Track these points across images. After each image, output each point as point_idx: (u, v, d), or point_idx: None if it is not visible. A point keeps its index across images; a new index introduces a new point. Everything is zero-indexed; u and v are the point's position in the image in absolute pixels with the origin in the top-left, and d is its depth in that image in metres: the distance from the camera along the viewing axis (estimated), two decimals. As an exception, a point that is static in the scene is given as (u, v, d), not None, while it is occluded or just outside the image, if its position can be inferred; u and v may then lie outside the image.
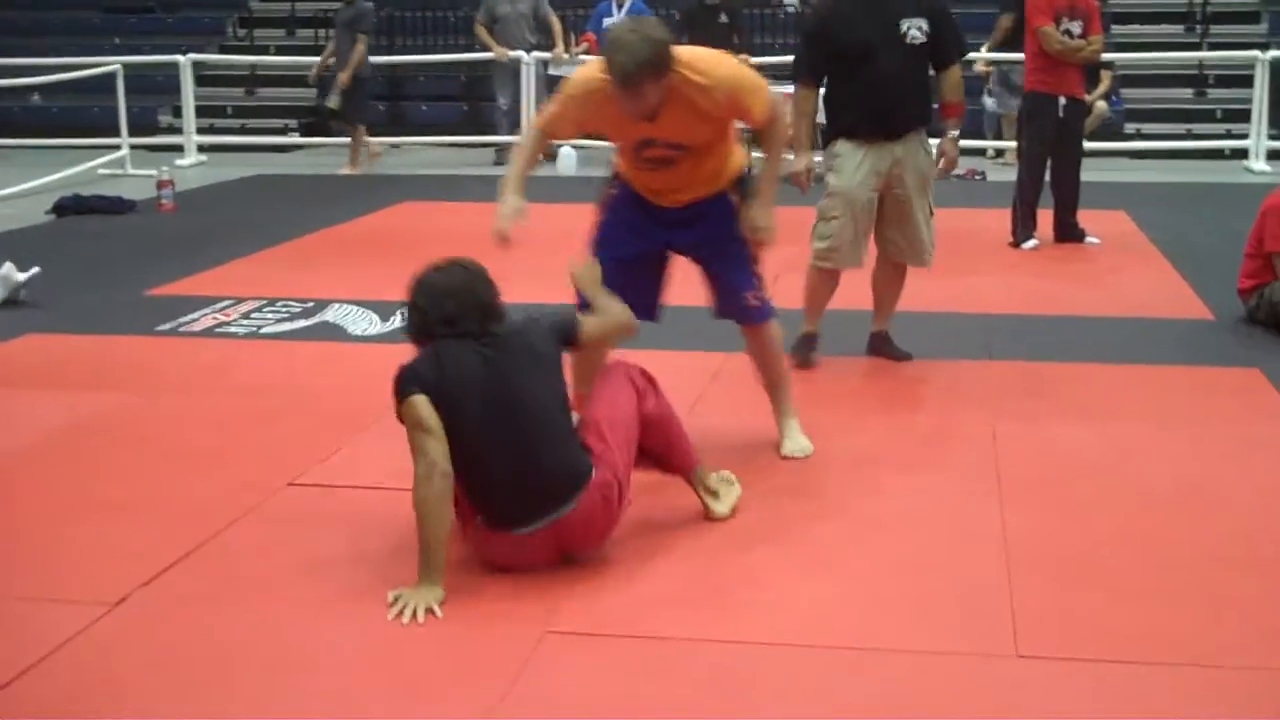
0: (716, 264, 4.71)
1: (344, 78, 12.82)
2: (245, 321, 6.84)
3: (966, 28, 6.28)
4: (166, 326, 6.74)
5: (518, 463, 3.75)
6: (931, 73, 5.84)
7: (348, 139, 13.19)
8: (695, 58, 4.32)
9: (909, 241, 5.86)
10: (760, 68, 13.01)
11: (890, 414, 5.37)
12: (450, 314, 3.83)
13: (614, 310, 4.26)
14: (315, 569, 3.89)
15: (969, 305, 7.05)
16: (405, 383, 3.75)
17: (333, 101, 12.99)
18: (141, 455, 4.88)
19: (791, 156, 5.38)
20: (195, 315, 6.94)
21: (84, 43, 15.78)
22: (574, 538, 3.84)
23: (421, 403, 3.69)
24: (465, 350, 3.80)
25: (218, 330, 6.69)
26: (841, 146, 5.77)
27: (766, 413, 4.97)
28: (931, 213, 5.86)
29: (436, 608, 3.60)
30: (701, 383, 5.67)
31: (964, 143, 5.93)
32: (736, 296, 4.73)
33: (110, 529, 4.19)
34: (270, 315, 6.96)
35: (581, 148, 13.36)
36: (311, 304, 7.12)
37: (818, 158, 5.87)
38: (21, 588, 3.77)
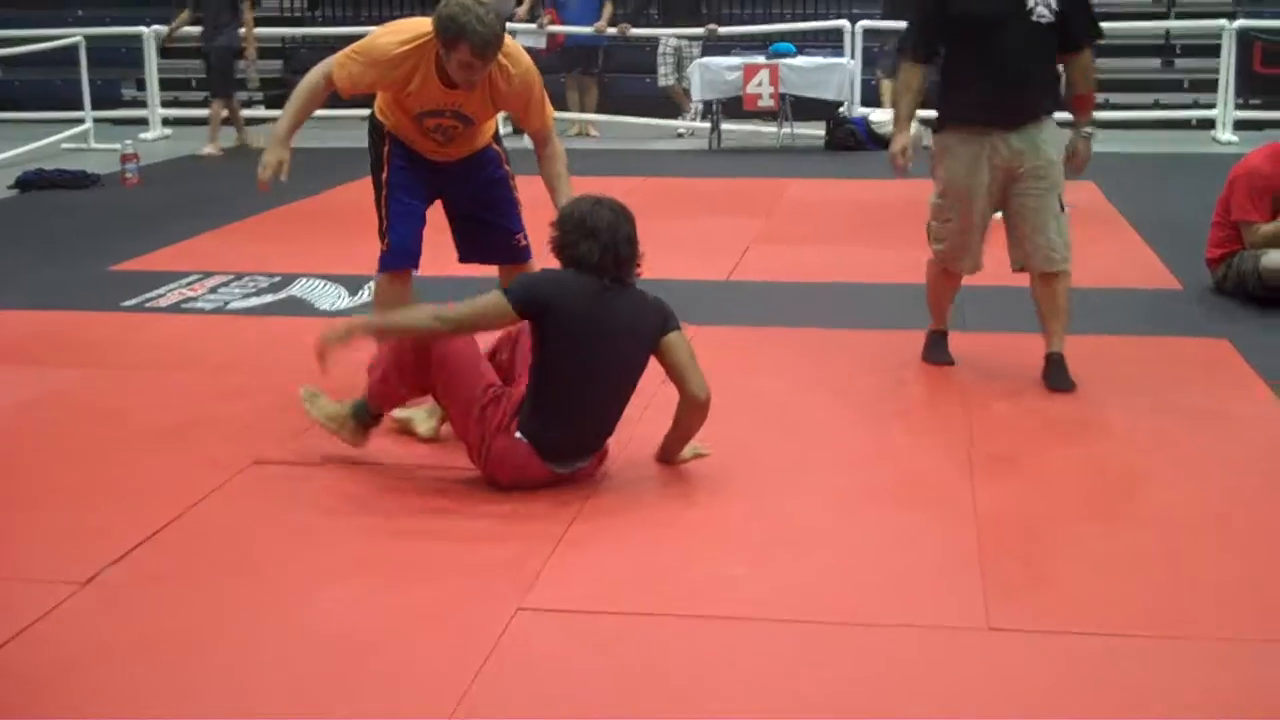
0: (491, 211, 5.00)
1: (251, 51, 12.62)
2: (212, 296, 6.80)
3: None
4: (132, 302, 6.69)
5: (583, 407, 4.19)
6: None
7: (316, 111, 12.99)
8: (510, 45, 4.61)
9: (1033, 245, 5.23)
10: (729, 37, 13.20)
11: (862, 386, 5.35)
12: (584, 253, 4.16)
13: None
14: (283, 547, 3.88)
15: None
16: (523, 298, 4.13)
17: (254, 78, 12.93)
18: (107, 433, 4.84)
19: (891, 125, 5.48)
20: (162, 290, 6.89)
21: (45, 15, 15.59)
22: (568, 482, 4.24)
23: (507, 313, 4.13)
24: (588, 287, 4.15)
25: (184, 305, 6.64)
26: (951, 136, 5.27)
27: (735, 385, 4.97)
28: (1062, 209, 5.23)
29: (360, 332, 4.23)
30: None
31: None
32: (510, 238, 5.02)
33: (77, 507, 4.15)
34: (238, 290, 6.91)
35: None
36: (279, 278, 7.08)
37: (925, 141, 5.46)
38: (-12, 567, 3.74)
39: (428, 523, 4.06)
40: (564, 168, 4.84)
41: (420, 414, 4.72)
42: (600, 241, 4.17)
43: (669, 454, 4.48)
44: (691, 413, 4.34)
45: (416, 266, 4.96)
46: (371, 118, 4.99)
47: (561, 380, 4.15)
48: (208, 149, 12.32)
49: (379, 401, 4.47)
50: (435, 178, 4.94)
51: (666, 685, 3.12)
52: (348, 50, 4.74)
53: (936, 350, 5.61)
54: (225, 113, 12.61)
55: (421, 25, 4.63)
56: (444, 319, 4.18)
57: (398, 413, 4.67)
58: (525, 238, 5.04)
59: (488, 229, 5.03)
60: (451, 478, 4.38)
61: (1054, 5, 5.07)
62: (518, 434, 4.16)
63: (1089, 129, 5.30)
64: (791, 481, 4.37)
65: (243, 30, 12.75)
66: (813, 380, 5.40)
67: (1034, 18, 5.07)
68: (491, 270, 5.10)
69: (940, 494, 4.25)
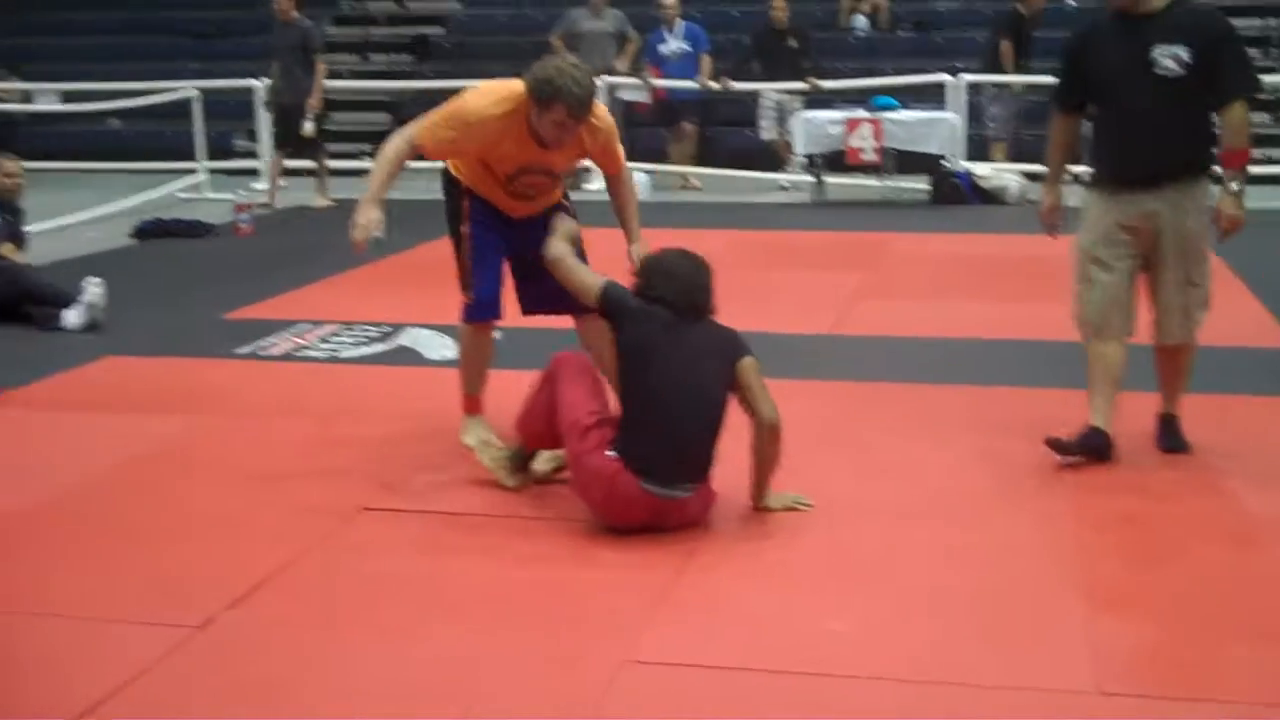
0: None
1: (315, 102, 12.23)
2: (323, 345, 6.91)
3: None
4: (245, 350, 6.82)
5: (665, 422, 4.31)
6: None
7: (418, 163, 13.10)
8: (595, 103, 4.75)
9: (1158, 313, 5.03)
10: (830, 92, 13.23)
11: (967, 441, 5.31)
12: (663, 295, 4.42)
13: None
14: (392, 594, 3.92)
15: (1044, 332, 6.98)
16: (615, 294, 4.47)
17: (308, 129, 12.29)
18: (221, 479, 4.93)
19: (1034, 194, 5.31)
20: (273, 339, 7.02)
21: (160, 68, 15.98)
22: (670, 519, 4.33)
23: (595, 295, 4.50)
24: (665, 315, 4.40)
25: (296, 354, 6.76)
26: (1094, 194, 5.07)
27: (839, 440, 4.96)
28: (1196, 283, 4.98)
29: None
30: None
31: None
32: None
33: (192, 552, 4.24)
34: (348, 339, 7.02)
35: (652, 173, 13.42)
36: (388, 328, 7.18)
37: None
38: (108, 610, 3.82)
39: (534, 572, 4.09)
40: (635, 196, 5.13)
41: (503, 467, 4.79)
42: (678, 288, 4.43)
43: (758, 489, 4.52)
44: (765, 438, 4.43)
45: (500, 317, 5.07)
46: (445, 173, 5.07)
47: (641, 396, 4.36)
48: (319, 201, 12.35)
49: (527, 441, 4.71)
50: (511, 232, 5.03)
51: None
52: (437, 117, 4.81)
53: (1093, 445, 4.98)
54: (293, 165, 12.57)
55: (510, 87, 4.72)
56: (562, 255, 4.63)
57: (488, 461, 4.81)
58: None
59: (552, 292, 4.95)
60: (557, 528, 4.42)
61: (1185, 58, 4.77)
62: (609, 451, 4.31)
63: (1235, 184, 4.92)
64: (894, 536, 4.34)
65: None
66: (917, 435, 5.37)
67: (1158, 70, 4.80)
68: (555, 321, 5.16)
69: (1046, 553, 4.21)
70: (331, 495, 4.69)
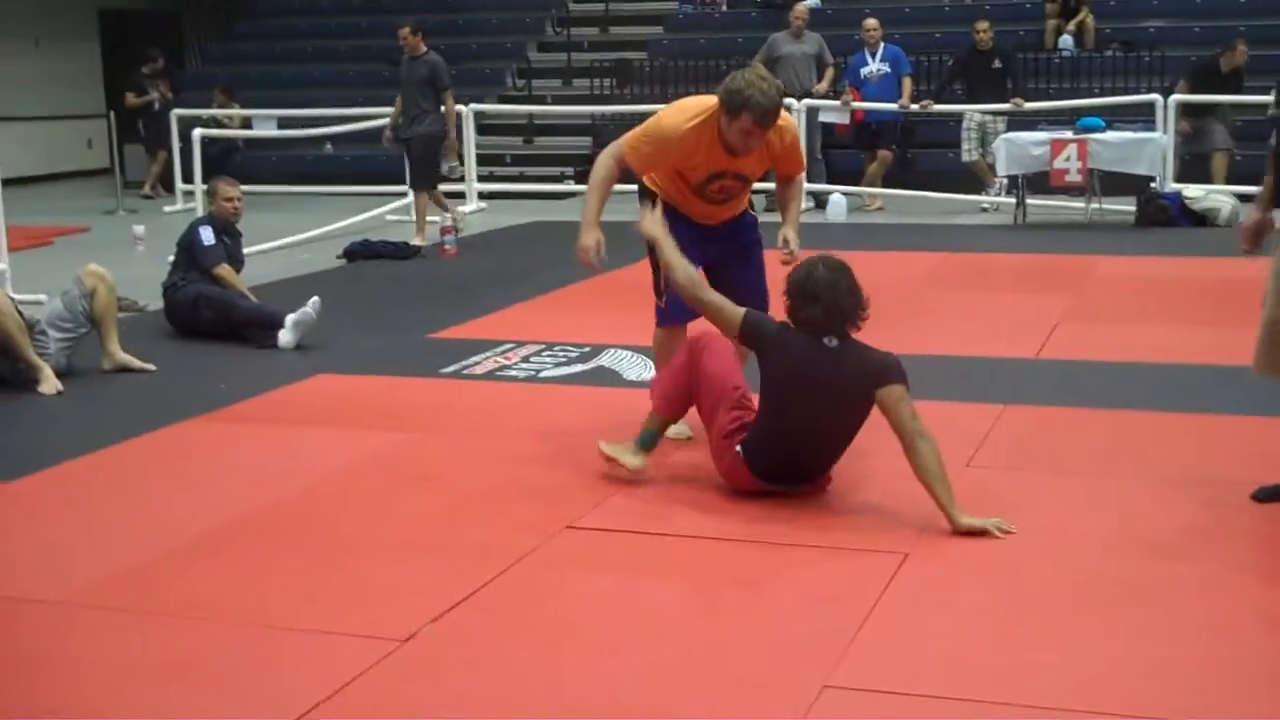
0: (752, 268, 5.42)
1: (453, 140, 12.17)
2: (525, 365, 7.03)
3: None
4: (450, 369, 6.97)
5: (809, 449, 4.71)
6: None
7: (619, 185, 13.15)
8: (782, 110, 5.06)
9: None
10: (1035, 112, 13.01)
11: (1180, 468, 5.15)
12: (810, 316, 4.64)
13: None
14: (594, 613, 3.97)
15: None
16: (755, 323, 4.76)
17: (455, 169, 12.25)
18: (427, 494, 5.05)
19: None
20: (477, 358, 7.16)
21: (370, 94, 16.46)
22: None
23: (735, 326, 4.76)
24: (807, 342, 4.64)
25: (498, 374, 6.88)
26: None
27: (1044, 465, 4.87)
28: None
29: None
30: (978, 435, 5.58)
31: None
32: (760, 293, 5.40)
33: (398, 565, 4.34)
34: (549, 359, 7.13)
35: (849, 194, 13.35)
36: (588, 349, 7.27)
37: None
38: (316, 620, 3.93)
39: (733, 594, 4.11)
40: (801, 196, 5.52)
41: (627, 450, 5.01)
42: (823, 303, 4.61)
43: (945, 509, 4.50)
44: (916, 457, 4.52)
45: (693, 318, 5.24)
46: (641, 185, 5.39)
47: (774, 417, 4.67)
48: (416, 240, 11.58)
49: (659, 409, 5.03)
50: (701, 239, 5.28)
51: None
52: (637, 134, 5.19)
53: None
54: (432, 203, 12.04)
55: (702, 102, 5.11)
56: (701, 290, 4.84)
57: (605, 447, 5.04)
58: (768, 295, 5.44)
59: (744, 286, 5.31)
60: (762, 550, 4.42)
61: None
62: (739, 448, 4.72)
63: None
64: (1102, 565, 4.24)
65: (444, 119, 11.95)
66: (1124, 462, 5.24)
67: None
68: None
69: (1258, 586, 4.06)
70: (537, 512, 4.76)
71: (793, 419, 4.65)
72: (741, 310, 4.81)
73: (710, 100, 5.04)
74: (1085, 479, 5.08)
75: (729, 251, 5.43)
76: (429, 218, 11.79)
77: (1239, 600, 3.98)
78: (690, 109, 5.12)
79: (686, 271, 4.90)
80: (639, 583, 4.19)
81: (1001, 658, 3.63)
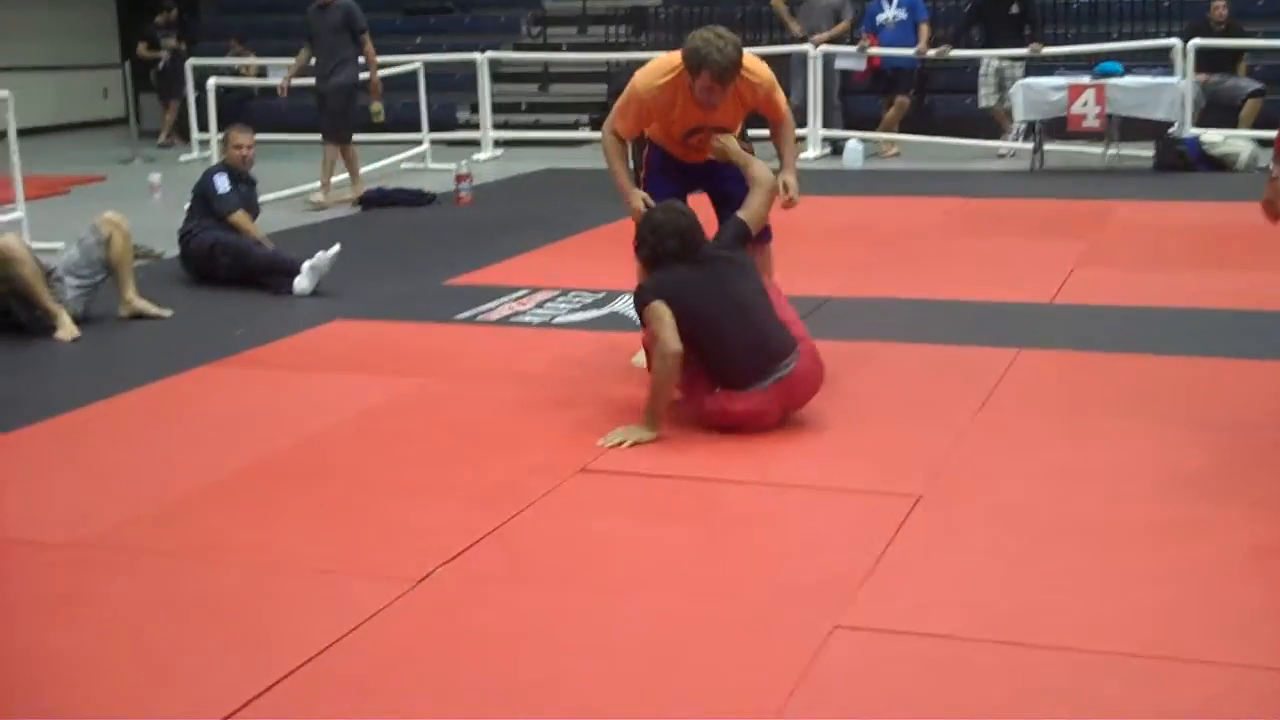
0: (743, 190, 5.41)
1: (377, 84, 11.48)
2: (539, 311, 7.04)
3: None
4: (465, 315, 6.98)
5: (744, 337, 4.93)
6: None
7: None
8: (749, 59, 5.26)
9: None
10: (1053, 57, 12.92)
11: (1198, 412, 5.15)
12: (672, 247, 5.02)
13: (756, 169, 5.35)
14: (605, 555, 3.99)
15: (1274, 302, 6.72)
16: (645, 294, 4.97)
17: (377, 109, 11.63)
18: (442, 438, 5.07)
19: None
20: (492, 304, 7.17)
21: (386, 43, 16.39)
22: (795, 392, 5.01)
23: (658, 305, 4.89)
24: (686, 267, 5.00)
25: (513, 319, 6.89)
26: None
27: (1058, 409, 4.87)
28: None
29: (646, 439, 4.85)
30: (993, 378, 5.58)
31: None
32: (742, 187, 5.44)
33: (412, 507, 4.37)
34: (563, 305, 7.13)
35: (866, 141, 13.29)
36: (602, 294, 7.27)
37: None
38: (329, 561, 3.96)
39: (745, 534, 4.12)
40: (793, 140, 5.68)
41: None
42: (669, 233, 5.02)
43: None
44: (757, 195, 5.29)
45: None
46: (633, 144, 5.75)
47: (715, 338, 4.92)
48: (317, 196, 11.14)
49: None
50: (687, 175, 5.67)
51: (980, 712, 3.08)
52: (619, 103, 5.52)
53: None
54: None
55: (671, 60, 5.35)
56: (663, 356, 4.87)
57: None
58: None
59: (726, 182, 5.60)
60: (775, 492, 4.45)
61: None
62: (717, 390, 4.97)
63: None
64: (1116, 507, 4.25)
65: (365, 68, 11.45)
66: (1142, 407, 5.23)
67: None
68: None
69: (1268, 529, 4.06)
70: (551, 456, 4.78)
71: (726, 322, 4.93)
72: (650, 315, 4.93)
73: (678, 57, 5.28)
74: (1099, 422, 5.07)
75: (719, 181, 5.69)
76: (340, 173, 11.26)
77: (1251, 541, 3.98)
78: (660, 68, 5.38)
79: (664, 377, 4.93)
80: (651, 525, 4.21)
81: (1013, 599, 3.64)
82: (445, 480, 4.63)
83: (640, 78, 5.44)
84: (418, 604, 3.67)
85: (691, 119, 5.41)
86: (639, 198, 5.41)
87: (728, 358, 4.98)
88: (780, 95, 5.57)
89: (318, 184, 11.41)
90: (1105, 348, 6.06)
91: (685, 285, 4.97)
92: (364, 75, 11.46)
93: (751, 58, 5.33)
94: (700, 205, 5.46)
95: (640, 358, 5.44)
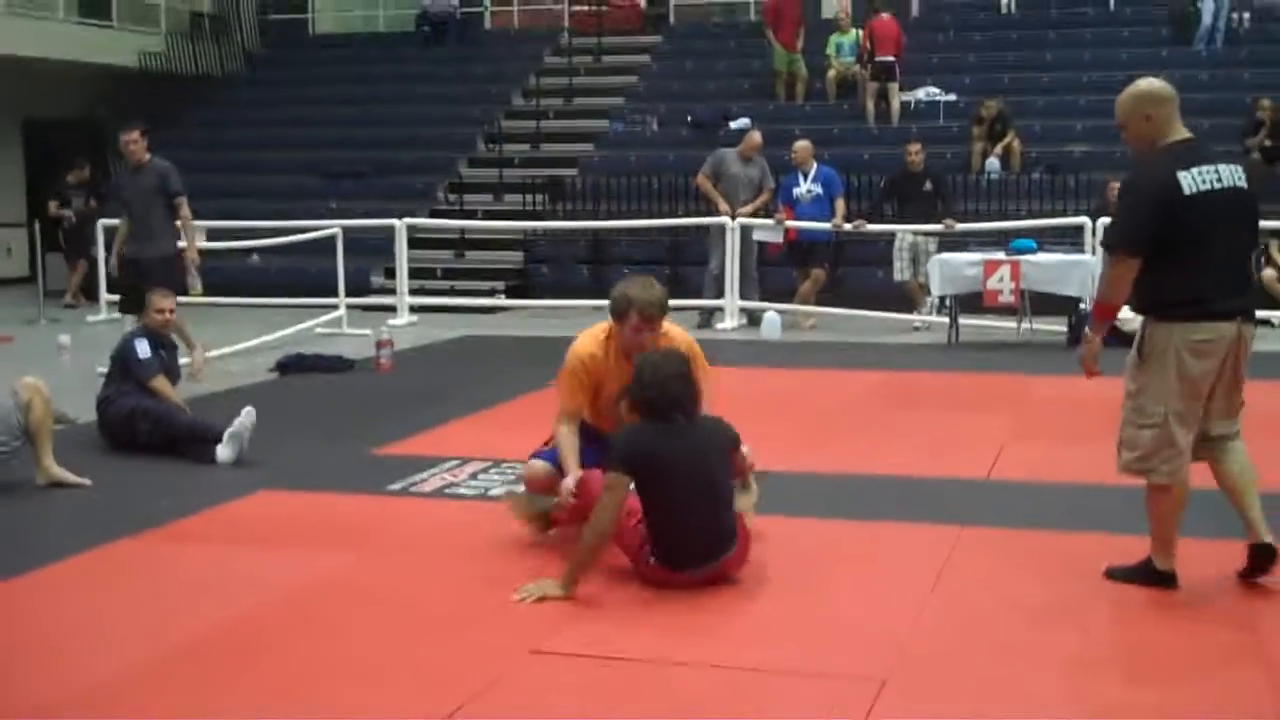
0: None
1: (194, 253, 10.42)
2: (473, 483, 6.91)
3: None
4: (397, 486, 6.83)
5: (700, 522, 5.01)
6: None
7: (550, 300, 12.95)
8: (668, 326, 5.56)
9: None
10: (966, 234, 13.19)
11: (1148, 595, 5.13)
12: (664, 407, 5.04)
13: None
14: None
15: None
16: (615, 456, 4.99)
17: (197, 287, 10.48)
18: (383, 617, 4.90)
19: None
20: (424, 475, 7.02)
21: (301, 206, 16.40)
22: (720, 576, 5.09)
23: (620, 478, 4.94)
24: (675, 432, 5.03)
25: (447, 491, 6.75)
26: None
27: (1012, 590, 4.83)
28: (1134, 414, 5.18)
29: (556, 595, 4.92)
30: (940, 557, 5.53)
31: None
32: None
33: (359, 692, 4.19)
34: (496, 477, 7.01)
35: (784, 313, 13.40)
36: (535, 467, 7.14)
37: None
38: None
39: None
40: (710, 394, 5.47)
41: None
42: (655, 387, 5.02)
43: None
44: (748, 499, 5.51)
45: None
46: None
47: (663, 512, 5.01)
48: (199, 356, 9.83)
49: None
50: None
51: None
52: (559, 384, 5.63)
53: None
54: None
55: (598, 327, 5.63)
56: (600, 534, 4.97)
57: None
58: None
59: None
60: (731, 677, 4.32)
61: None
62: (651, 560, 5.05)
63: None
64: (1078, 691, 4.18)
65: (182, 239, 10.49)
66: (1094, 588, 5.19)
67: None
68: None
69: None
70: (499, 636, 4.64)
71: (680, 501, 4.98)
72: (605, 483, 4.99)
73: (606, 323, 5.56)
74: (1053, 602, 5.02)
75: None
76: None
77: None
78: (592, 332, 5.64)
79: (592, 546, 5.03)
80: (609, 713, 4.06)
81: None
82: (391, 662, 4.45)
83: (576, 345, 5.64)
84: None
85: (624, 376, 5.42)
86: (574, 479, 5.38)
87: (678, 537, 5.04)
88: (704, 362, 5.59)
89: (232, 348, 11.20)
90: (1047, 526, 6.04)
91: (661, 455, 4.99)
92: (182, 244, 10.47)
93: (671, 325, 5.60)
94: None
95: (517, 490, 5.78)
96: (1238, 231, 5.03)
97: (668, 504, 5.01)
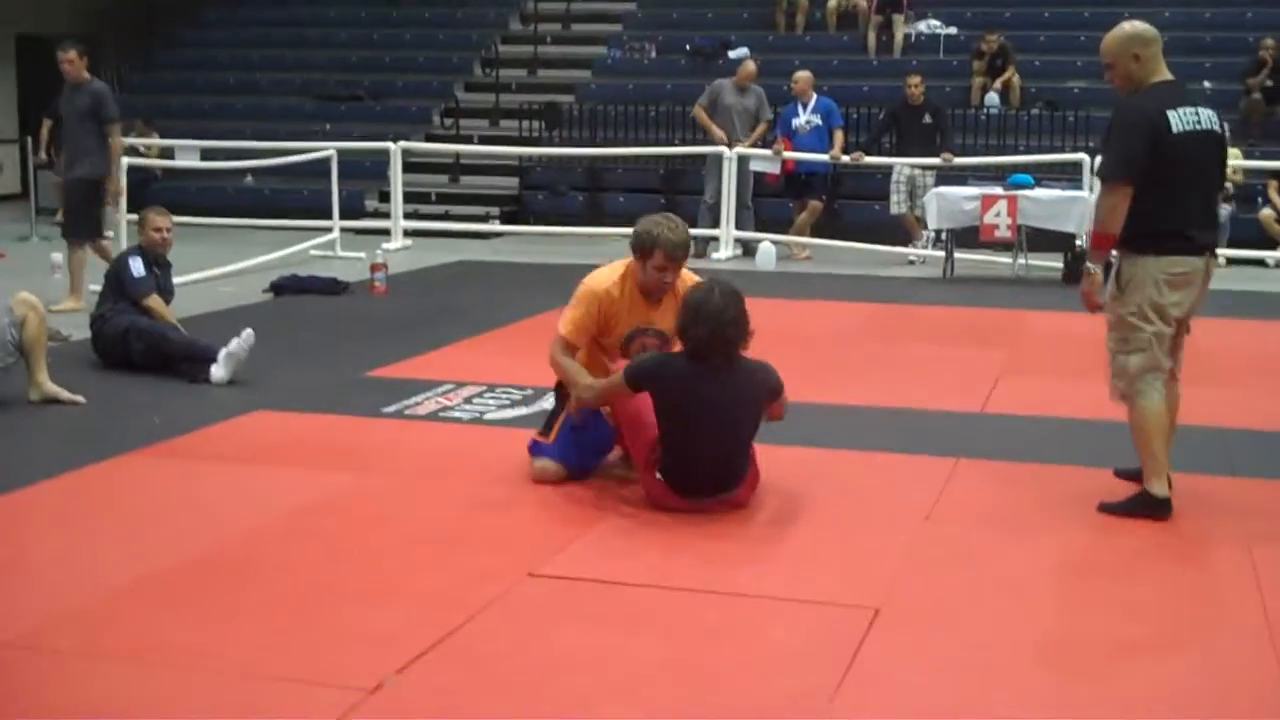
0: None
1: (114, 185, 10.05)
2: (468, 407, 6.90)
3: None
4: (392, 409, 6.82)
5: (717, 462, 5.07)
6: None
7: (545, 227, 12.76)
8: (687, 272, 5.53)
9: None
10: (964, 168, 13.13)
11: (1141, 530, 5.16)
12: (696, 336, 5.01)
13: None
14: (561, 667, 3.84)
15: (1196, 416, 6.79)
16: (630, 374, 5.12)
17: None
18: (383, 538, 4.91)
19: None
20: (418, 398, 7.02)
21: (295, 128, 16.26)
22: (722, 509, 5.10)
23: (624, 385, 5.12)
24: (707, 375, 5.01)
25: (442, 414, 6.75)
26: None
27: (1005, 523, 4.85)
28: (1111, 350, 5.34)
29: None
30: (935, 488, 5.55)
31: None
32: None
33: (360, 612, 4.20)
34: (491, 401, 7.01)
35: (779, 244, 13.36)
36: (530, 391, 7.14)
37: None
38: (275, 668, 3.78)
39: (704, 652, 3.98)
40: None
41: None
42: (710, 328, 4.96)
43: None
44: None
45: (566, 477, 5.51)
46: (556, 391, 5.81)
47: (678, 443, 5.04)
48: (67, 303, 9.52)
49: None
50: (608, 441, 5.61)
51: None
52: (567, 310, 5.51)
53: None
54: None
55: (616, 264, 5.57)
56: (594, 389, 5.30)
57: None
58: None
59: None
60: (725, 601, 4.34)
61: None
62: (658, 474, 5.09)
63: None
64: (1069, 628, 4.22)
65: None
66: (1085, 520, 5.21)
67: None
68: None
69: (1228, 652, 4.05)
70: (496, 559, 4.64)
71: (696, 440, 5.01)
72: (619, 372, 5.17)
73: (624, 260, 5.52)
74: (1044, 533, 5.04)
75: None
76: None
77: (1203, 664, 3.96)
78: (611, 269, 5.56)
79: (585, 382, 5.36)
80: (606, 636, 4.08)
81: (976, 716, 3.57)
82: (387, 582, 4.46)
83: (592, 278, 5.54)
84: (374, 715, 3.50)
85: (637, 317, 5.47)
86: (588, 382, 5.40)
87: (687, 470, 5.10)
88: None
89: (227, 269, 11.14)
90: (1042, 459, 6.05)
91: (676, 382, 5.04)
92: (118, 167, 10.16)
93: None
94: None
95: (540, 463, 5.56)
96: (1211, 171, 5.28)
97: (683, 441, 5.04)
